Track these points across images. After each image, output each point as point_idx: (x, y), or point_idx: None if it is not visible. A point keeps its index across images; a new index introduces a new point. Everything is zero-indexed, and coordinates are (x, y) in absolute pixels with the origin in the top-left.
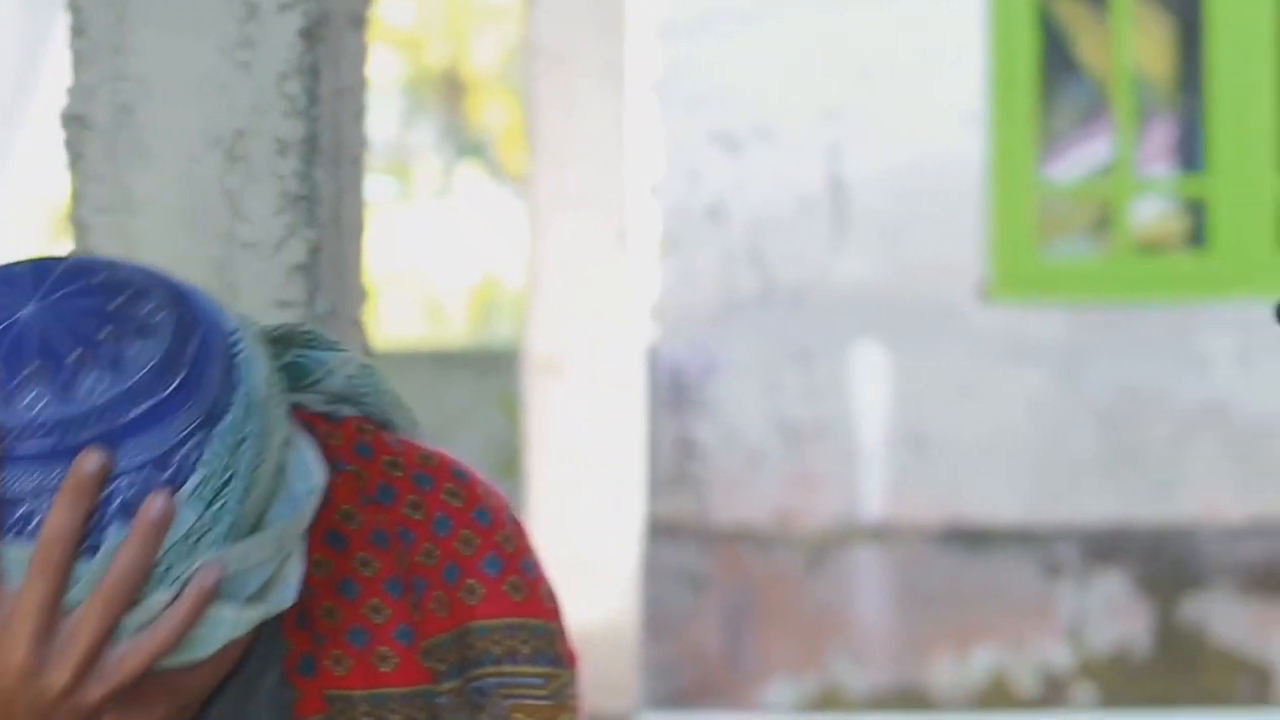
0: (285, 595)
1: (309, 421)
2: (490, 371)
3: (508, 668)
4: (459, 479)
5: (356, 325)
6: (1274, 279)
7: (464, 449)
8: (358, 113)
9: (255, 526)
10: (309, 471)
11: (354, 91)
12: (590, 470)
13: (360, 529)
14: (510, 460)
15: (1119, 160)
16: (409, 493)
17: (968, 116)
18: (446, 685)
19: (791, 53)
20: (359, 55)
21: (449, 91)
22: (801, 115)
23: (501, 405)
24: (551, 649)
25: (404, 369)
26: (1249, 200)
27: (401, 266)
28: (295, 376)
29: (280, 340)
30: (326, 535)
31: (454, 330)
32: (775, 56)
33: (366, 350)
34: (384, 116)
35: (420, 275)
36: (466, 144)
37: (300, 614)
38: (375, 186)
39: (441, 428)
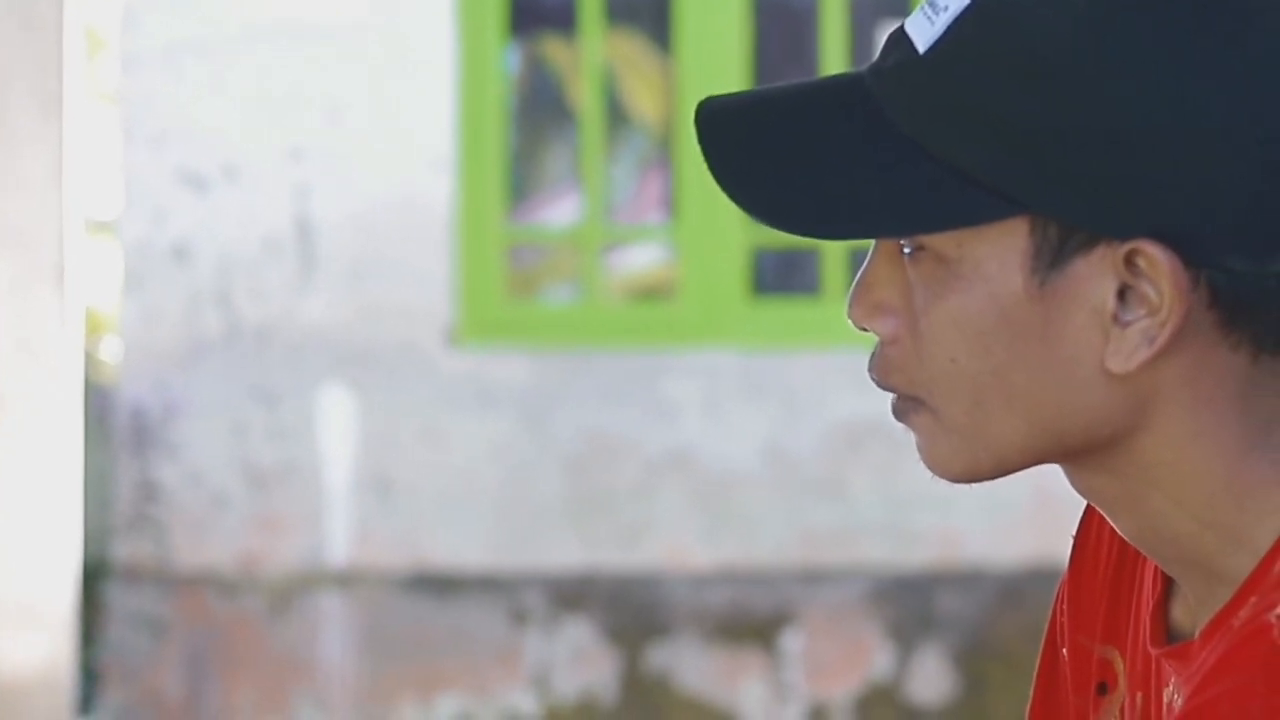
0: None
1: None
2: None
3: None
4: None
5: None
6: (740, 328)
7: None
8: None
9: None
10: None
11: None
12: (28, 513)
13: None
14: None
15: (590, 207)
16: None
17: (437, 160)
18: None
19: (259, 90)
20: None
21: None
22: (268, 154)
23: None
24: None
25: None
26: (716, 249)
27: None
28: None
29: None
30: None
31: None
32: (242, 94)
33: None
34: None
35: None
36: None
37: None
38: None
39: None
